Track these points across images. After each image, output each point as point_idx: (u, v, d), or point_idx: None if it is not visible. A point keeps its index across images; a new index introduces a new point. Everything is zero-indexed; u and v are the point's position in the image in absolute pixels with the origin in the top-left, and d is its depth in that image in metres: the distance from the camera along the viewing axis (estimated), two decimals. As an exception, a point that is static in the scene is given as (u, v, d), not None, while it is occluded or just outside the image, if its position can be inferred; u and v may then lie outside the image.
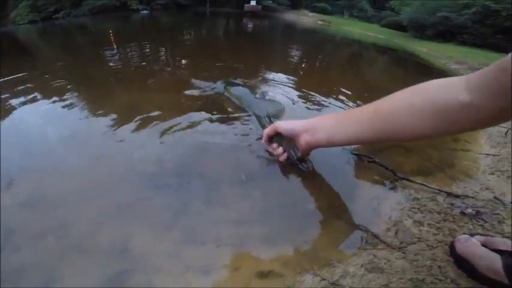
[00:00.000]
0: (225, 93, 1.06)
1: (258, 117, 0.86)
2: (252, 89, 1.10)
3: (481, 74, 0.41)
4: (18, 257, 0.44)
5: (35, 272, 0.42)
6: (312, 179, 0.65)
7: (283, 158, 0.64)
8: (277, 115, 0.90)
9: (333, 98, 1.21)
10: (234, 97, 1.02)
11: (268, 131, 0.66)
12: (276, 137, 0.66)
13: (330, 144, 0.58)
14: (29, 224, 0.50)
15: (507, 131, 1.04)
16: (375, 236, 0.51)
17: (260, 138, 0.73)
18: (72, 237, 0.47)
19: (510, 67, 0.36)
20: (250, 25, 4.22)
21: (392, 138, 0.53)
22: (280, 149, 0.65)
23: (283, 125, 0.63)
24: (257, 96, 1.06)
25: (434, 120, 0.45)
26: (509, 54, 0.37)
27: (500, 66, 0.38)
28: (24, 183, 0.60)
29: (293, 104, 1.09)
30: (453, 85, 0.44)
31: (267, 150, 0.70)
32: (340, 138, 0.55)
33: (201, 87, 1.16)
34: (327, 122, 0.58)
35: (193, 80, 1.23)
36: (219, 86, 1.14)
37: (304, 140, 0.59)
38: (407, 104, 0.48)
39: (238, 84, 1.13)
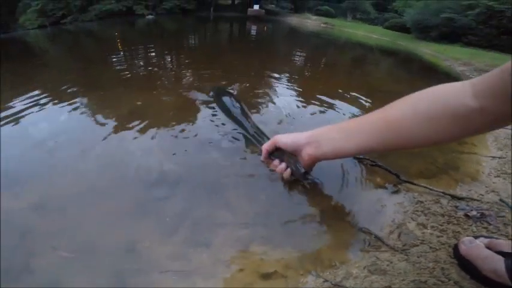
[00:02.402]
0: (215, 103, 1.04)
1: (250, 134, 0.83)
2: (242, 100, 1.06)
3: (486, 78, 0.41)
4: (28, 257, 0.45)
5: (43, 273, 0.43)
6: (315, 182, 0.66)
7: (287, 174, 0.60)
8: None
9: (338, 100, 1.21)
10: (222, 109, 0.99)
11: (267, 146, 0.62)
12: (276, 152, 0.62)
13: (336, 156, 0.55)
14: (37, 226, 0.51)
15: (513, 134, 1.03)
16: (378, 239, 0.51)
17: (259, 153, 0.71)
18: (79, 240, 0.49)
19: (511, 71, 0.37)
20: (253, 29, 4.24)
21: (402, 146, 0.51)
22: (283, 165, 0.61)
23: (283, 138, 0.59)
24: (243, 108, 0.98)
25: (444, 128, 0.45)
26: None
27: (504, 70, 0.38)
28: (33, 186, 0.62)
29: (297, 108, 1.10)
30: (459, 90, 0.44)
31: (269, 168, 0.66)
32: (347, 150, 0.53)
33: (203, 93, 1.18)
34: (331, 133, 0.55)
35: (193, 92, 1.21)
36: (212, 94, 1.14)
37: (307, 153, 0.56)
38: (416, 111, 0.47)
39: (227, 93, 1.08)
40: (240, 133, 0.85)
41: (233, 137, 0.83)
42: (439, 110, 0.45)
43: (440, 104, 0.45)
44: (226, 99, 1.02)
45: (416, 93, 0.49)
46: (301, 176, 0.59)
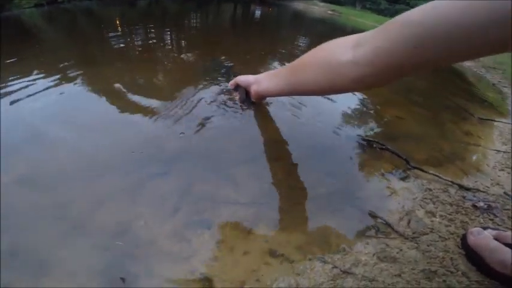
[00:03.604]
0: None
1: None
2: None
3: (374, 31, 0.41)
4: (15, 238, 0.42)
5: (31, 254, 0.40)
6: (323, 164, 0.64)
7: (239, 100, 0.83)
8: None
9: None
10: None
11: (232, 82, 0.86)
12: (237, 87, 0.85)
13: (269, 94, 0.73)
14: (27, 203, 0.47)
15: (519, 129, 1.03)
16: (388, 225, 0.50)
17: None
18: (72, 218, 0.45)
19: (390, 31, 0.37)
20: (257, 12, 4.13)
21: (300, 91, 0.61)
22: (239, 95, 0.83)
23: (241, 78, 0.81)
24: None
25: (321, 76, 0.49)
26: (396, 17, 0.37)
27: (389, 23, 0.39)
28: (22, 161, 0.57)
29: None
30: (344, 41, 0.46)
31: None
32: (272, 90, 0.68)
33: (202, 69, 1.15)
34: (267, 77, 0.71)
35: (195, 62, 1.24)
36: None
37: (253, 89, 0.75)
38: (307, 61, 0.54)
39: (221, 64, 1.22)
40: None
41: (240, 114, 0.80)
42: (321, 60, 0.49)
43: (324, 55, 0.49)
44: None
45: (321, 44, 0.53)
46: (248, 103, 0.83)
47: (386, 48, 0.38)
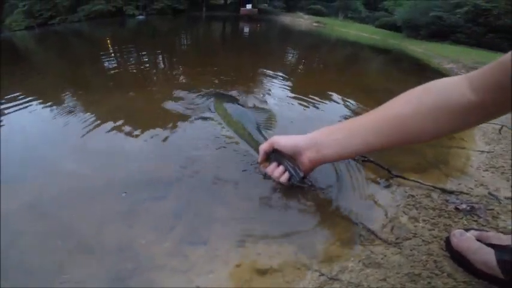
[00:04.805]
0: (214, 110, 0.98)
1: (249, 139, 0.77)
2: (241, 102, 1.05)
3: (482, 72, 0.43)
4: (23, 258, 0.45)
5: (39, 272, 0.43)
6: (309, 178, 0.66)
7: (284, 178, 0.57)
8: (270, 126, 0.86)
9: (331, 100, 1.22)
10: (222, 117, 0.92)
11: (265, 146, 0.59)
12: (274, 154, 0.59)
13: (340, 158, 0.55)
14: (33, 226, 0.51)
15: (501, 128, 1.05)
16: (372, 232, 0.52)
17: (254, 164, 0.69)
18: (77, 237, 0.49)
19: (509, 66, 0.38)
20: (246, 28, 4.25)
21: (405, 142, 0.50)
22: (281, 168, 0.58)
23: (282, 141, 0.57)
24: (245, 110, 0.95)
25: (446, 122, 0.46)
26: (509, 53, 0.38)
27: (502, 63, 0.40)
28: (28, 187, 0.61)
29: (292, 105, 1.10)
30: (458, 85, 0.45)
31: (265, 171, 0.62)
32: (351, 151, 0.52)
33: (194, 91, 1.17)
34: (333, 135, 0.53)
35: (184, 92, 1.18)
36: (208, 100, 1.07)
37: (308, 157, 0.54)
38: (417, 107, 0.47)
39: (225, 97, 1.05)
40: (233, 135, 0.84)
41: (226, 136, 0.83)
42: (442, 105, 0.45)
43: (443, 99, 0.46)
44: (228, 104, 0.98)
45: (415, 89, 0.49)
46: (300, 181, 0.58)
47: (504, 93, 0.40)
